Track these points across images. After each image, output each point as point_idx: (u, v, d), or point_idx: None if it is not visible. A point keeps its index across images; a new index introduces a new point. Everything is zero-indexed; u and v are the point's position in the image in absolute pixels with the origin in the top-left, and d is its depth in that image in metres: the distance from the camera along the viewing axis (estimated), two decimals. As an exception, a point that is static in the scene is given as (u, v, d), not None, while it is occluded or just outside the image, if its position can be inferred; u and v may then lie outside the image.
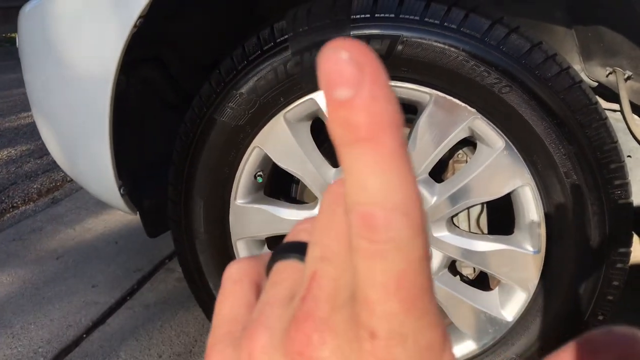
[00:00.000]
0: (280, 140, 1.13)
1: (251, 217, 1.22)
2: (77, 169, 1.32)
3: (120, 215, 2.57)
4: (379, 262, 0.16)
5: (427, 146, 1.07)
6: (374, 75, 0.15)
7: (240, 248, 1.26)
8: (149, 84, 1.39)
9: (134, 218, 2.52)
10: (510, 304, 1.16)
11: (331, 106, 0.15)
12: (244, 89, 1.09)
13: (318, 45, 1.03)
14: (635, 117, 1.32)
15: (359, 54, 0.15)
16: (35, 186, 3.04)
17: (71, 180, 3.09)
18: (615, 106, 1.40)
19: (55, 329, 1.73)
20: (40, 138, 4.24)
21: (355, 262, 0.17)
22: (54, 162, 3.43)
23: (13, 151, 3.75)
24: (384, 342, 0.17)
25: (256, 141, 1.14)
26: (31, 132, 4.24)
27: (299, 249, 0.22)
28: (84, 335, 1.69)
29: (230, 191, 1.20)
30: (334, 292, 0.18)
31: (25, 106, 5.10)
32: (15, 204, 2.80)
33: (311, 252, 0.19)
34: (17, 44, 1.31)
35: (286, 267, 0.23)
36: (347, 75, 0.15)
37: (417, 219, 0.16)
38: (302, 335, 0.19)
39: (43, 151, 3.69)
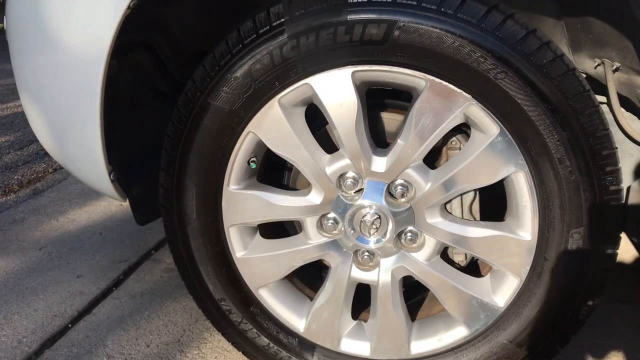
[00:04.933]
0: (274, 126, 1.13)
1: (244, 204, 1.21)
2: (66, 155, 1.30)
3: (104, 206, 2.54)
4: None
5: (422, 132, 1.07)
6: None
7: (233, 235, 1.25)
8: (139, 69, 1.37)
9: (118, 209, 2.49)
10: (502, 290, 1.17)
11: None
12: (238, 73, 1.09)
13: (314, 29, 1.03)
14: (623, 109, 1.34)
15: None
16: (16, 177, 2.98)
17: (53, 171, 3.05)
18: (603, 99, 1.42)
19: (40, 318, 1.70)
20: (20, 130, 4.18)
21: None
22: (35, 153, 3.38)
23: (-8, 142, 3.68)
24: None
25: (250, 126, 1.14)
26: (10, 123, 4.16)
27: None
28: (70, 325, 1.67)
29: (224, 177, 1.19)
30: None
31: (3, 97, 5.01)
32: (-5, 195, 2.75)
33: None
34: (4, 27, 1.28)
35: None
36: None
37: None
38: None
39: (23, 142, 3.63)
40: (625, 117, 1.29)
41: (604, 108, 1.34)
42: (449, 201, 1.19)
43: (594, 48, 1.36)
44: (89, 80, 1.13)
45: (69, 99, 1.18)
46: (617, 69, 1.32)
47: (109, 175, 1.25)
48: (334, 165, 1.14)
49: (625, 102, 1.35)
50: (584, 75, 1.49)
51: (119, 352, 1.54)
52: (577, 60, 1.46)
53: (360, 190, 1.16)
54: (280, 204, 1.20)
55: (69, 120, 1.22)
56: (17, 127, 4.02)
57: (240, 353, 1.38)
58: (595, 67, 1.41)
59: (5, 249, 2.18)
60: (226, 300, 1.31)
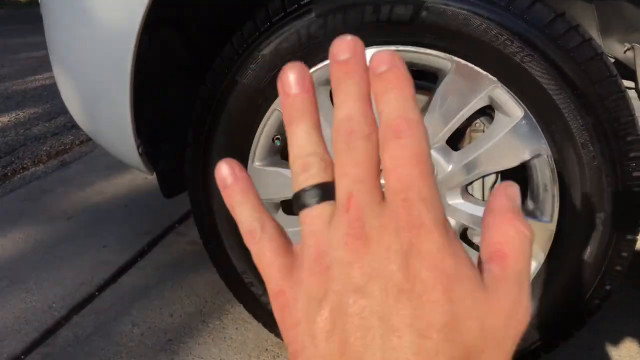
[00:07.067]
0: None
1: (268, 180, 1.24)
2: (96, 127, 1.33)
3: (129, 179, 2.59)
4: (405, 149, 0.26)
5: (446, 114, 1.08)
6: (398, 59, 0.27)
7: (256, 210, 1.28)
8: (168, 45, 1.39)
9: (143, 182, 2.54)
10: (520, 272, 1.18)
11: (375, 76, 0.27)
12: (266, 51, 1.10)
13: (342, 9, 1.04)
14: (650, 94, 1.32)
15: (392, 53, 0.27)
16: (44, 148, 3.05)
17: (80, 143, 3.11)
18: (630, 84, 1.41)
19: (68, 286, 1.76)
20: (48, 102, 4.26)
21: (387, 156, 0.27)
22: (63, 125, 3.45)
23: (21, 114, 3.76)
24: (411, 202, 0.26)
25: (276, 104, 1.15)
26: (39, 95, 4.24)
27: (307, 197, 0.29)
28: (97, 293, 1.73)
29: (248, 153, 1.22)
30: (370, 199, 0.27)
31: (32, 70, 5.10)
32: (25, 165, 2.83)
33: (342, 184, 0.27)
34: (39, 1, 1.32)
35: (313, 214, 0.29)
36: (386, 59, 0.27)
37: (424, 126, 0.27)
38: (357, 231, 0.27)
39: (51, 114, 3.70)
40: (653, 103, 1.28)
41: (632, 94, 1.33)
42: (471, 183, 1.20)
43: (624, 33, 1.35)
44: (121, 54, 1.15)
45: (100, 72, 1.21)
46: (646, 54, 1.31)
47: (138, 148, 1.28)
48: (357, 145, 1.16)
49: (654, 88, 1.34)
50: (613, 60, 1.48)
51: (144, 320, 1.59)
52: (606, 44, 1.44)
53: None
54: (303, 181, 1.22)
55: (100, 94, 1.25)
56: (46, 99, 4.10)
57: (261, 324, 1.42)
58: (625, 52, 1.39)
59: (35, 218, 2.25)
60: (248, 273, 1.34)
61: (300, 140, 0.29)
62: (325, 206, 0.28)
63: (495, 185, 0.31)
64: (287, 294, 0.29)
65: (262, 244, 0.30)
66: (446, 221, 0.27)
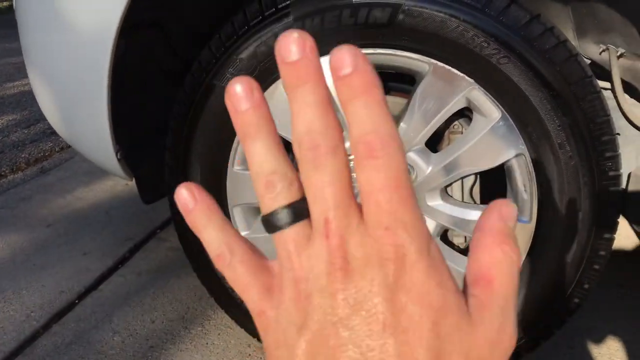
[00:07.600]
0: (278, 107, 1.14)
1: (248, 184, 1.23)
2: (74, 133, 1.32)
3: (110, 185, 2.56)
4: (382, 170, 0.24)
5: (425, 116, 1.09)
6: (362, 59, 0.24)
7: (237, 215, 1.27)
8: (149, 49, 1.38)
9: (124, 189, 2.52)
10: (500, 273, 1.19)
11: (338, 79, 0.24)
12: (244, 55, 1.10)
13: (320, 12, 1.04)
14: (626, 95, 1.34)
15: (354, 51, 0.24)
16: (23, 155, 3.01)
17: (60, 150, 3.07)
18: (606, 84, 1.42)
19: (48, 294, 1.74)
20: (26, 108, 4.20)
21: (362, 178, 0.25)
22: (42, 132, 3.41)
23: (-1, 120, 3.71)
24: (393, 230, 0.24)
25: (255, 108, 1.15)
26: (17, 102, 4.19)
27: (280, 221, 0.27)
28: (77, 301, 1.70)
29: (228, 157, 1.21)
30: (348, 223, 0.25)
31: (10, 76, 5.03)
32: (3, 173, 2.79)
33: (316, 208, 0.26)
34: (13, 5, 1.30)
35: (287, 238, 0.27)
36: (348, 60, 0.24)
37: (399, 140, 0.25)
38: (338, 257, 0.25)
39: (30, 121, 3.65)
40: (629, 103, 1.30)
41: (608, 94, 1.34)
42: (450, 184, 1.21)
43: (599, 34, 1.36)
44: (97, 59, 1.14)
45: (77, 78, 1.20)
46: (621, 55, 1.32)
47: (116, 154, 1.27)
48: (337, 147, 1.16)
49: (629, 89, 1.36)
50: (589, 61, 1.49)
51: (125, 327, 1.58)
52: (582, 45, 1.46)
53: (363, 172, 1.18)
54: (283, 184, 1.22)
55: (77, 99, 1.23)
56: (24, 105, 4.04)
57: (243, 330, 1.41)
58: (600, 53, 1.41)
59: (13, 226, 2.21)
60: (230, 278, 1.33)
61: (258, 157, 0.27)
62: (299, 227, 0.27)
63: (492, 202, 0.29)
64: (268, 315, 0.28)
65: (233, 266, 0.29)
66: (430, 243, 0.25)
